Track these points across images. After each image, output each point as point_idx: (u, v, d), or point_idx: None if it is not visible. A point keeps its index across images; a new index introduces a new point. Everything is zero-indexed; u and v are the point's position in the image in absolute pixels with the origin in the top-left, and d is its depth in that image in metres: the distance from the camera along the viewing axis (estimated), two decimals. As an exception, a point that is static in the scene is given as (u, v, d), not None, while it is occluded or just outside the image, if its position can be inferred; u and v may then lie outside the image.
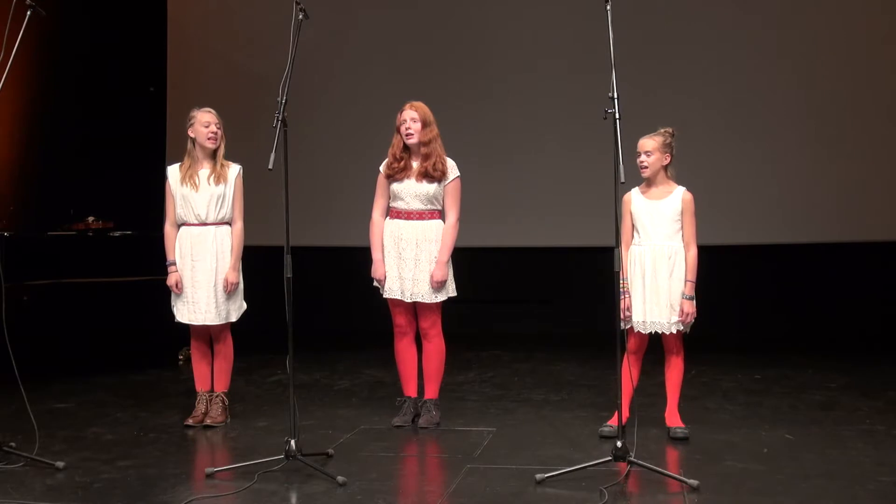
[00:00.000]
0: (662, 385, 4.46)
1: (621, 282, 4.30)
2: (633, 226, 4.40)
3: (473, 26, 8.30)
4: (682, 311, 4.26)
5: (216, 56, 8.68)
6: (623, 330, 4.28)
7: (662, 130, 4.35)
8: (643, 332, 4.31)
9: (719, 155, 7.80)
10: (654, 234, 4.33)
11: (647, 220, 4.33)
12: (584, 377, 6.03)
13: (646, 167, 4.32)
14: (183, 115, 4.84)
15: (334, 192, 8.16)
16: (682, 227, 4.33)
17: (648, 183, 4.38)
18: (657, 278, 4.29)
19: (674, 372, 4.41)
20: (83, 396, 5.52)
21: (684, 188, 4.37)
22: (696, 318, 4.31)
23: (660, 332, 4.30)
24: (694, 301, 4.28)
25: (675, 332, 4.30)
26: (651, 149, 4.31)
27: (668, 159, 4.36)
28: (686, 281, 4.29)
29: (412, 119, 4.58)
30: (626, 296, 4.31)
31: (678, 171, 4.46)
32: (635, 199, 4.39)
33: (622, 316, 4.31)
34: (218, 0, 8.89)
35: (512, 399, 5.40)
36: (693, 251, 4.32)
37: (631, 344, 4.32)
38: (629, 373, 4.11)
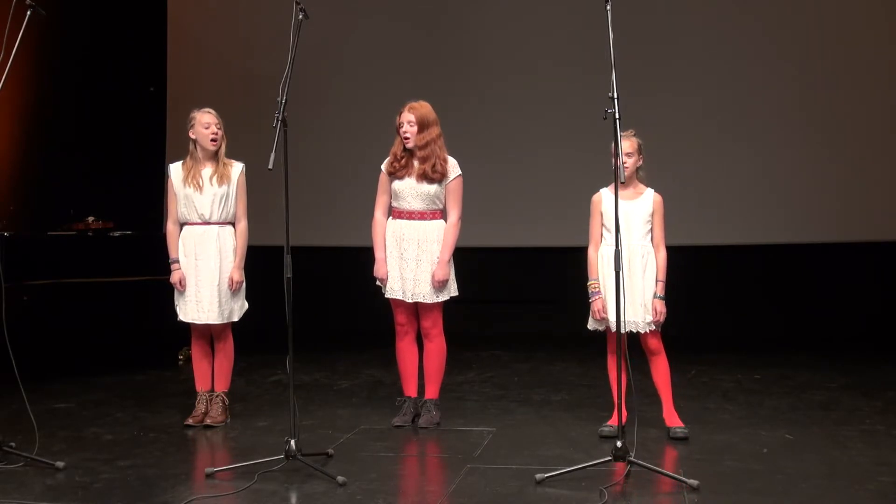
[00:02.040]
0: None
1: (590, 282, 4.34)
2: (603, 226, 4.39)
3: (473, 26, 8.30)
4: (654, 310, 4.28)
5: (216, 56, 8.67)
6: (605, 331, 4.30)
7: (631, 132, 4.36)
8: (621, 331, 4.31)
9: (719, 155, 7.79)
10: (627, 235, 4.32)
11: (619, 220, 4.32)
12: (584, 377, 6.03)
13: (626, 167, 4.32)
14: (183, 114, 4.84)
15: (335, 192, 8.16)
16: (652, 228, 4.35)
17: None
18: (631, 278, 4.30)
19: (661, 372, 4.41)
20: (83, 396, 5.52)
21: (654, 190, 4.40)
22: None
23: (635, 331, 4.31)
24: (664, 301, 4.30)
25: (649, 331, 4.31)
26: (631, 150, 4.33)
27: (641, 161, 4.39)
28: (657, 281, 4.33)
29: (409, 122, 4.58)
30: (600, 297, 4.32)
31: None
32: (606, 199, 4.38)
33: (598, 317, 4.33)
34: (218, 0, 8.89)
35: (512, 399, 5.40)
36: (663, 252, 4.37)
37: (611, 345, 4.33)
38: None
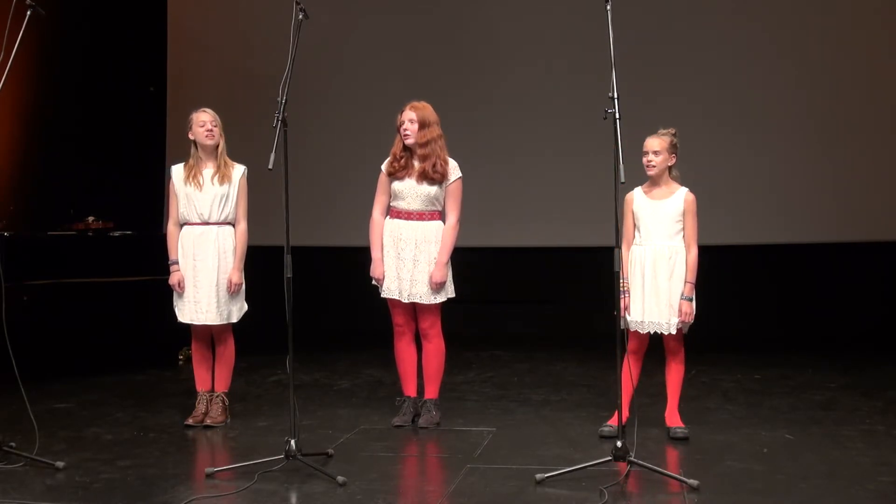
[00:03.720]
0: (663, 385, 4.46)
1: (621, 281, 4.31)
2: (634, 225, 4.39)
3: (474, 26, 8.30)
4: (680, 311, 4.26)
5: (216, 56, 8.68)
6: (623, 330, 4.28)
7: (669, 131, 4.35)
8: (641, 331, 4.31)
9: (719, 155, 7.79)
10: (656, 234, 4.32)
11: (648, 219, 4.33)
12: (584, 377, 6.03)
13: (653, 166, 4.31)
14: (183, 114, 4.85)
15: (335, 192, 8.16)
16: (683, 227, 4.34)
17: (652, 183, 4.38)
18: (657, 278, 4.29)
19: (674, 372, 4.40)
20: (83, 396, 5.52)
21: (687, 189, 4.37)
22: (697, 318, 4.31)
23: (659, 332, 4.30)
24: (693, 302, 4.28)
25: (674, 332, 4.29)
26: (659, 148, 4.31)
27: (674, 160, 4.37)
28: (685, 282, 4.29)
29: (410, 120, 4.58)
30: (626, 295, 4.31)
31: (680, 170, 4.46)
32: (638, 199, 4.38)
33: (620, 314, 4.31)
34: (218, 0, 8.89)
35: (512, 399, 5.40)
36: (694, 252, 4.32)
37: (631, 344, 4.32)
38: (629, 373, 4.11)
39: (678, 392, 4.43)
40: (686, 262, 4.31)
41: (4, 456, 3.94)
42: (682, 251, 4.32)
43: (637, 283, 4.31)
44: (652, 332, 4.32)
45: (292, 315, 3.87)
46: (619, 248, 3.81)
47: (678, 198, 4.35)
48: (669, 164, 4.36)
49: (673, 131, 4.36)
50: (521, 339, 7.82)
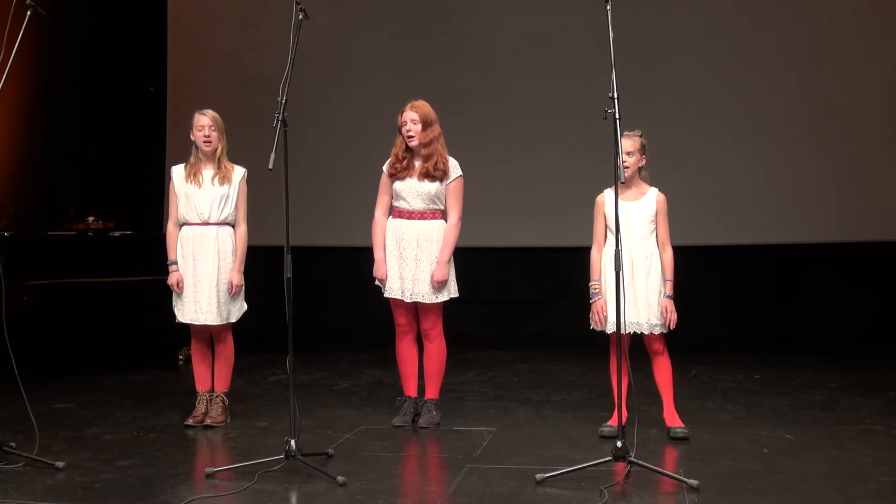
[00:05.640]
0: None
1: (592, 283, 4.33)
2: (606, 227, 4.38)
3: (475, 26, 8.30)
4: (665, 310, 4.26)
5: (216, 56, 8.68)
6: (610, 332, 4.27)
7: (636, 132, 4.34)
8: (622, 332, 4.30)
9: (719, 156, 7.80)
10: (630, 235, 4.31)
11: (622, 221, 4.31)
12: (584, 377, 6.03)
13: (627, 167, 4.29)
14: (183, 114, 4.86)
15: (335, 192, 8.17)
16: (656, 227, 4.34)
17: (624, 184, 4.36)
18: (634, 279, 4.28)
19: (662, 372, 4.40)
20: (83, 396, 5.52)
21: (657, 189, 4.38)
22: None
23: (638, 332, 4.30)
24: (673, 300, 4.29)
25: (656, 332, 4.30)
26: (632, 149, 4.30)
27: (644, 161, 4.36)
28: (665, 281, 4.30)
29: (412, 121, 4.58)
30: (601, 297, 4.31)
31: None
32: (609, 200, 4.35)
33: (596, 318, 4.31)
34: (218, 0, 8.89)
35: (512, 399, 5.40)
36: (669, 251, 4.33)
37: (615, 345, 4.31)
38: (618, 373, 4.11)
39: (671, 391, 4.42)
40: (662, 262, 4.32)
41: (4, 456, 3.94)
42: (657, 251, 4.33)
43: (613, 285, 4.28)
44: (632, 333, 4.32)
45: (292, 315, 3.87)
46: (618, 248, 3.80)
47: (650, 198, 4.35)
48: (640, 165, 4.36)
49: (640, 133, 4.36)
50: (521, 339, 7.82)
